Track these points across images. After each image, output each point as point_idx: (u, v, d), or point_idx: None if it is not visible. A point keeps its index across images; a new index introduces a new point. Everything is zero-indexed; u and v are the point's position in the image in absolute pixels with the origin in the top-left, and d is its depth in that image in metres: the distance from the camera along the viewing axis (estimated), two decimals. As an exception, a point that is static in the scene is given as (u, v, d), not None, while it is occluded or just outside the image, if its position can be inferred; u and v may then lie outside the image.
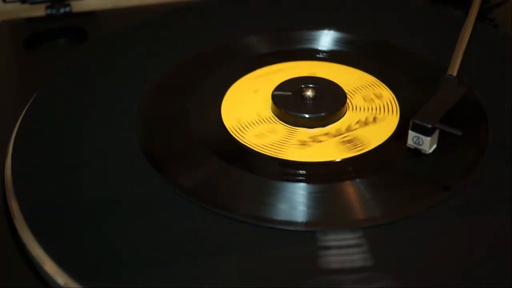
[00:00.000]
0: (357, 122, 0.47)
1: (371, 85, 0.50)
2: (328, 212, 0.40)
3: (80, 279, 0.37)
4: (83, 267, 0.37)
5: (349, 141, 0.45)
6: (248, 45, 0.54)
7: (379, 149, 0.45)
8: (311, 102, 0.47)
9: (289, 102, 0.47)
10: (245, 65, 0.52)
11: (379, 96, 0.49)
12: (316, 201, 0.41)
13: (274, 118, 0.47)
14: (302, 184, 0.42)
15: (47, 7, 0.62)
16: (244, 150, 0.45)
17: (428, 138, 0.43)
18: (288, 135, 0.46)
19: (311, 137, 0.46)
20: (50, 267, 0.38)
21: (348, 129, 0.46)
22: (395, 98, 0.49)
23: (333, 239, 0.39)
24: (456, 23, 0.52)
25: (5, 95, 0.53)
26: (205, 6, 0.59)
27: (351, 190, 0.42)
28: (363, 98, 0.49)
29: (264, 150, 0.45)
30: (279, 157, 0.44)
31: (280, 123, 0.47)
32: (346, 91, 0.48)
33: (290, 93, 0.48)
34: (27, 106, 0.48)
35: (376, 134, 0.46)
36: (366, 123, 0.47)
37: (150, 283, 0.37)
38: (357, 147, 0.45)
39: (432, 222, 0.40)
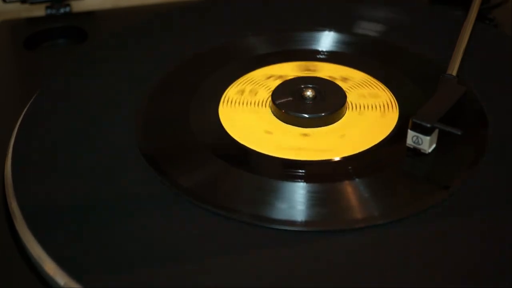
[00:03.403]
0: (356, 122, 0.47)
1: (370, 85, 0.50)
2: (327, 212, 0.40)
3: (80, 279, 0.37)
4: (83, 267, 0.37)
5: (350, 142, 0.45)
6: (248, 45, 0.54)
7: (379, 148, 0.45)
8: (311, 102, 0.47)
9: (289, 102, 0.47)
10: (245, 65, 0.52)
11: (378, 96, 0.49)
12: (315, 201, 0.41)
13: (274, 118, 0.47)
14: (302, 184, 0.42)
15: (47, 7, 0.62)
16: (243, 150, 0.45)
17: (428, 138, 0.43)
18: (288, 135, 0.46)
19: (310, 137, 0.46)
20: (50, 267, 0.38)
21: (348, 128, 0.46)
22: (394, 98, 0.49)
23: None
24: (456, 23, 0.52)
25: (5, 95, 0.53)
26: (205, 6, 0.59)
27: (350, 189, 0.42)
28: (363, 98, 0.49)
29: (263, 149, 0.45)
30: (278, 156, 0.44)
31: (280, 123, 0.47)
32: (345, 91, 0.48)
33: (290, 93, 0.48)
34: (27, 106, 0.48)
35: (376, 134, 0.46)
36: (365, 122, 0.47)
37: (150, 283, 0.37)
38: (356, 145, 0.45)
39: (431, 222, 0.40)
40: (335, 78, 0.50)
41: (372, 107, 0.48)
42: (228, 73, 0.51)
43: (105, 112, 0.48)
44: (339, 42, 0.54)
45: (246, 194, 0.42)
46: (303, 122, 0.46)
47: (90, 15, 0.62)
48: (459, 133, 0.42)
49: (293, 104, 0.47)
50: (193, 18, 0.58)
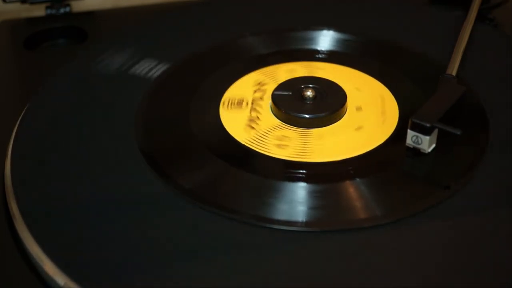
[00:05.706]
0: (356, 122, 0.47)
1: (370, 85, 0.50)
2: (328, 212, 0.40)
3: (80, 279, 0.37)
4: (83, 267, 0.37)
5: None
6: (248, 45, 0.54)
7: (379, 148, 0.45)
8: (311, 102, 0.47)
9: (289, 102, 0.47)
10: (245, 65, 0.52)
11: (378, 96, 0.49)
12: (316, 201, 0.41)
13: (274, 118, 0.47)
14: (302, 184, 0.42)
15: (47, 7, 0.62)
16: (243, 150, 0.45)
17: (427, 137, 0.43)
18: (288, 135, 0.46)
19: (310, 137, 0.46)
20: (50, 267, 0.38)
21: (348, 128, 0.46)
22: (394, 98, 0.49)
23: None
24: (456, 23, 0.52)
25: (5, 95, 0.53)
26: (205, 6, 0.59)
27: (351, 189, 0.42)
28: (363, 98, 0.49)
29: (263, 150, 0.45)
30: (279, 157, 0.44)
31: (280, 123, 0.47)
32: (346, 91, 0.48)
33: (290, 93, 0.48)
34: (27, 106, 0.48)
35: (376, 134, 0.46)
36: (365, 122, 0.47)
37: (150, 284, 0.37)
38: (356, 146, 0.45)
39: (431, 222, 0.40)
40: (334, 78, 0.50)
41: (372, 107, 0.48)
42: (228, 73, 0.51)
43: (105, 112, 0.48)
44: (339, 42, 0.54)
45: (246, 194, 0.42)
46: (303, 122, 0.46)
47: (90, 15, 0.62)
48: (459, 133, 0.42)
49: (293, 104, 0.47)
50: (193, 18, 0.58)
